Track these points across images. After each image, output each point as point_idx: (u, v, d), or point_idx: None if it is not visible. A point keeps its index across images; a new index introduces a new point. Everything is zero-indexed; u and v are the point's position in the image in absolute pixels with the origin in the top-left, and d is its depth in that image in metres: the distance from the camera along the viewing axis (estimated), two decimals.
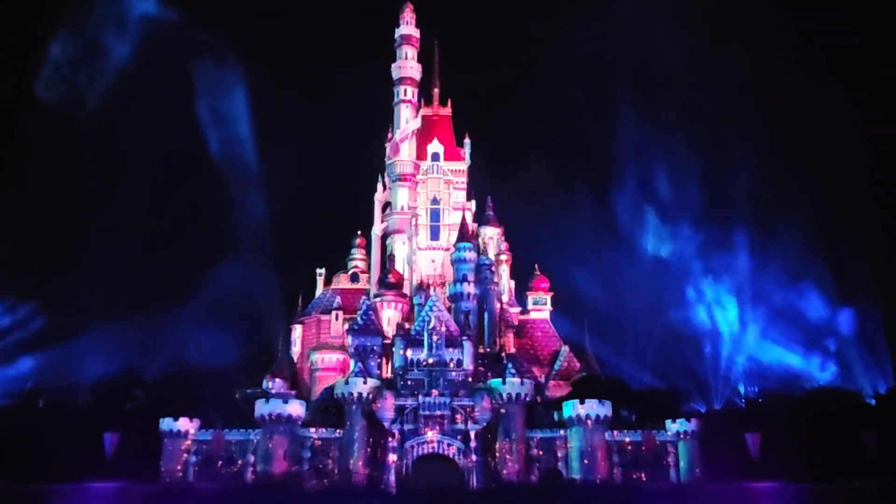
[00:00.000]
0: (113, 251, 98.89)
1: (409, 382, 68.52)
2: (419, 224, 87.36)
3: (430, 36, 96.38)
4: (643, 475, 65.47)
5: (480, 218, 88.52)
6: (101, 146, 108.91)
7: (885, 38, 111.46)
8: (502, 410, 67.01)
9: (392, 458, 64.92)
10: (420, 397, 67.03)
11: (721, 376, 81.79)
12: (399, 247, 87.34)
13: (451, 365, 69.50)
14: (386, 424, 65.97)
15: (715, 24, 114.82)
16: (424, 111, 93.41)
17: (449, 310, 76.01)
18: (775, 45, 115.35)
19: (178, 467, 65.34)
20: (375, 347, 74.64)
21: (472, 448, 65.36)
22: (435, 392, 67.46)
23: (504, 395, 67.17)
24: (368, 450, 66.33)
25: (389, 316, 79.31)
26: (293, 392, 75.24)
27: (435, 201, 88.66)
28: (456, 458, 65.56)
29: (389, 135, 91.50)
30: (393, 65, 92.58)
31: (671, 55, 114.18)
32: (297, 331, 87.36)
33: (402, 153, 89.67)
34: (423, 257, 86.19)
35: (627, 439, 66.66)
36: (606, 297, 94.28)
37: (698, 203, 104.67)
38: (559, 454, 66.71)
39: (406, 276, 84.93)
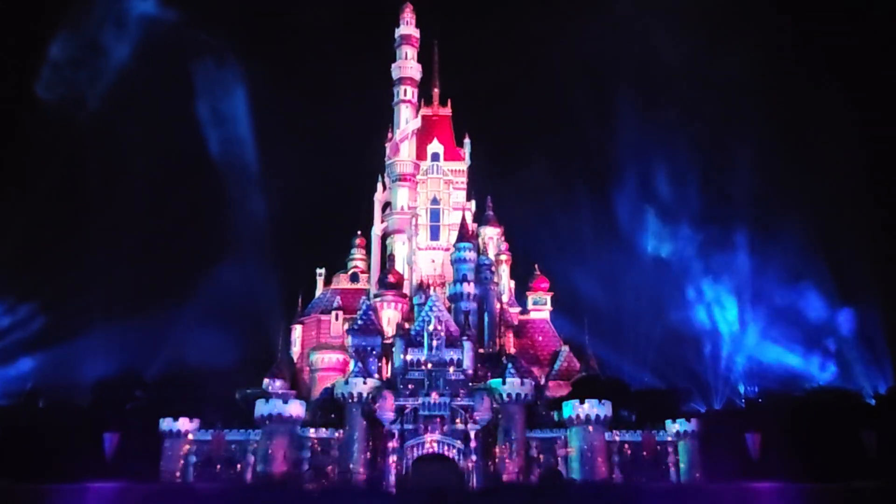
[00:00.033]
0: (113, 251, 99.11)
1: (409, 383, 68.45)
2: (419, 224, 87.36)
3: (430, 36, 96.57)
4: (643, 475, 65.34)
5: (480, 218, 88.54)
6: (101, 146, 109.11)
7: (885, 38, 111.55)
8: (501, 415, 66.98)
9: (392, 458, 64.82)
10: (420, 397, 66.97)
11: (721, 376, 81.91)
12: (399, 247, 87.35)
13: (451, 365, 69.45)
14: (386, 425, 65.93)
15: (715, 24, 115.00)
16: (424, 111, 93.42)
17: (449, 310, 76.01)
18: (775, 45, 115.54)
19: (178, 467, 65.29)
20: (375, 348, 74.65)
21: (471, 448, 65.26)
22: (435, 392, 67.37)
23: (504, 396, 67.16)
24: (368, 450, 66.31)
25: (389, 316, 79.33)
26: (293, 392, 75.24)
27: (435, 201, 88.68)
28: (456, 458, 65.44)
29: (389, 135, 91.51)
30: (393, 65, 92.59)
31: (671, 55, 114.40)
32: (297, 331, 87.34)
33: (402, 153, 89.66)
34: (422, 257, 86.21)
35: (627, 439, 66.61)
36: (606, 298, 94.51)
37: (698, 203, 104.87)
38: (559, 454, 66.58)
39: (406, 276, 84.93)
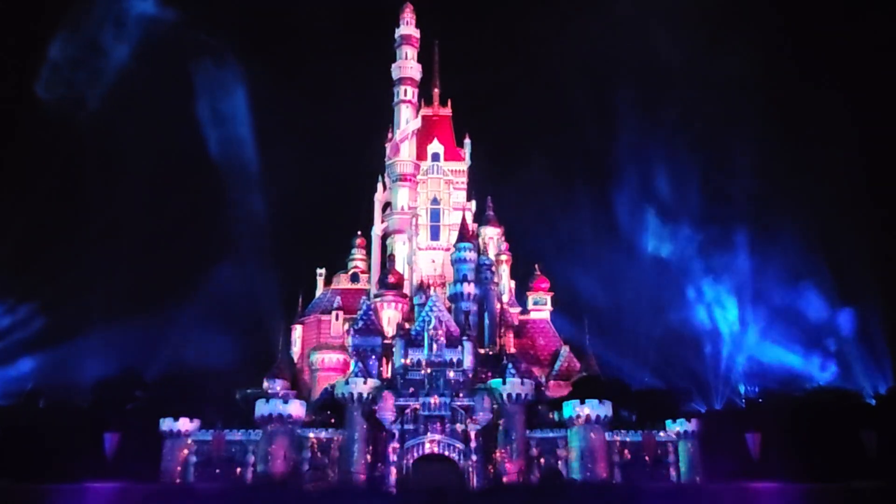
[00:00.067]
0: (113, 251, 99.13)
1: (409, 383, 68.48)
2: (419, 224, 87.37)
3: (431, 36, 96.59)
4: (643, 476, 65.33)
5: (480, 218, 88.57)
6: (100, 146, 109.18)
7: (884, 38, 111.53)
8: (502, 415, 66.99)
9: (392, 458, 64.89)
10: (420, 398, 67.00)
11: (721, 376, 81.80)
12: (399, 247, 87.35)
13: (452, 365, 69.44)
14: (386, 425, 65.96)
15: (715, 24, 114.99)
16: (425, 111, 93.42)
17: (449, 310, 76.02)
18: (775, 45, 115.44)
19: (178, 468, 65.31)
20: (376, 348, 74.60)
21: (472, 448, 65.33)
22: (435, 393, 67.41)
23: (504, 396, 67.17)
24: (369, 451, 66.29)
25: (390, 316, 79.32)
26: (293, 392, 75.22)
27: (435, 201, 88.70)
28: (456, 458, 65.50)
29: (389, 135, 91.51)
30: (393, 65, 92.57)
31: (671, 55, 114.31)
32: (298, 331, 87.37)
33: (403, 153, 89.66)
34: (423, 257, 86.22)
35: (628, 440, 66.63)
36: (607, 298, 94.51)
37: (698, 203, 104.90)
38: (559, 454, 66.61)
39: (406, 276, 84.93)
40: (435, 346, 70.01)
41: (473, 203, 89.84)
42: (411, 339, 70.98)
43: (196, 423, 66.57)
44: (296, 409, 66.60)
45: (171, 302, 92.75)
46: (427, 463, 65.42)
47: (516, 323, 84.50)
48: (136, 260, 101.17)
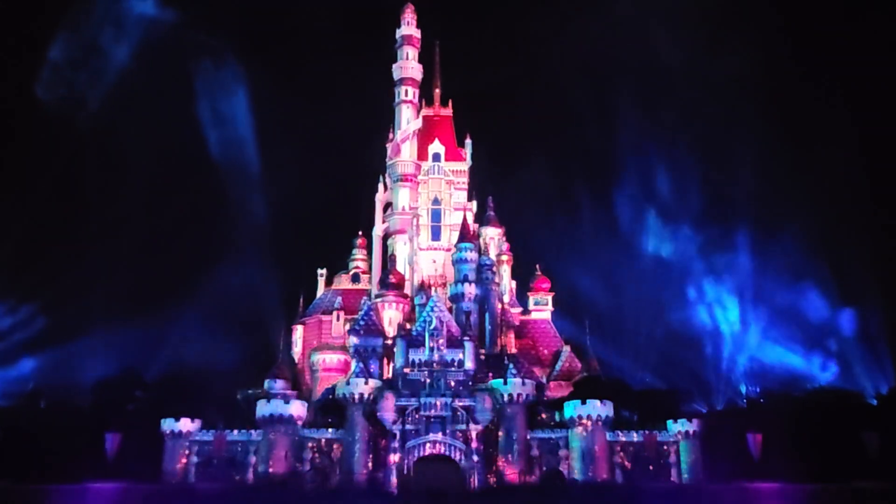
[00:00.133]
0: (113, 252, 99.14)
1: (410, 383, 68.38)
2: (420, 224, 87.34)
3: (431, 36, 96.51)
4: (645, 476, 65.29)
5: (481, 218, 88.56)
6: (101, 147, 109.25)
7: (885, 38, 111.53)
8: (503, 415, 66.99)
9: (393, 458, 64.84)
10: (421, 398, 66.94)
11: (722, 376, 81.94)
12: (400, 247, 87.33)
13: (453, 366, 69.38)
14: (387, 425, 65.92)
15: (715, 24, 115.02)
16: (425, 111, 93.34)
17: (450, 310, 76.02)
18: (775, 45, 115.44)
19: (180, 468, 65.29)
20: (377, 348, 74.63)
21: (473, 449, 65.28)
22: (436, 393, 67.34)
23: (505, 396, 67.15)
24: (369, 451, 66.31)
25: (391, 316, 79.29)
26: (294, 393, 75.25)
27: (436, 202, 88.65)
28: (457, 459, 65.43)
29: (390, 135, 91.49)
30: (394, 65, 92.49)
31: (671, 55, 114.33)
32: (299, 331, 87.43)
33: (403, 153, 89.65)
34: (424, 258, 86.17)
35: (629, 440, 66.59)
36: (608, 298, 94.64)
37: (699, 203, 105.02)
38: (560, 455, 66.57)
39: (407, 276, 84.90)
40: (436, 346, 69.97)
41: (474, 203, 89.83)
42: (412, 340, 70.95)
43: (197, 423, 66.53)
44: (297, 409, 66.57)
45: (171, 302, 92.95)
46: (428, 463, 65.36)
47: (517, 323, 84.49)
48: (136, 260, 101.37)
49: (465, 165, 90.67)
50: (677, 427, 66.32)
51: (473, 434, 65.62)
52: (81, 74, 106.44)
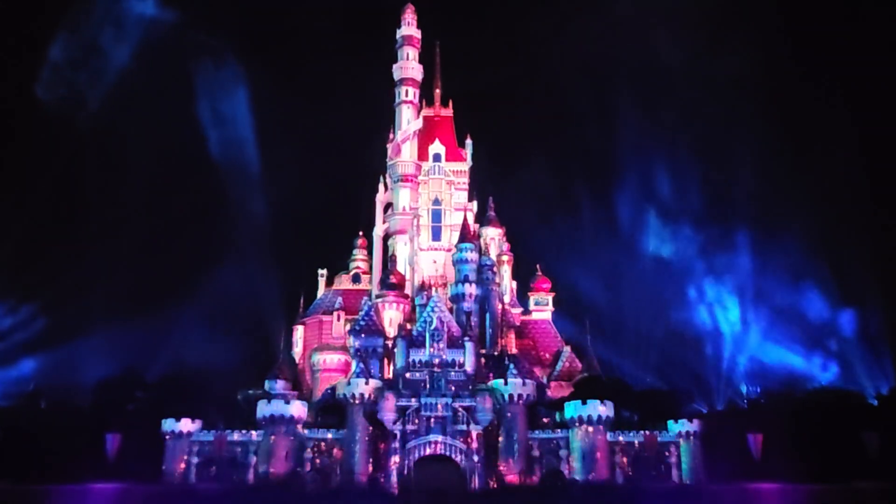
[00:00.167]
0: (114, 252, 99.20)
1: (410, 383, 68.42)
2: (421, 225, 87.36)
3: (432, 36, 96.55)
4: (645, 476, 65.28)
5: (482, 218, 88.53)
6: (101, 147, 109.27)
7: (885, 38, 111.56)
8: (503, 416, 66.99)
9: (394, 458, 64.82)
10: (422, 398, 66.92)
11: (723, 377, 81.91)
12: (401, 247, 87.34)
13: (453, 366, 69.39)
14: (387, 425, 65.89)
15: (715, 24, 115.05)
16: (426, 112, 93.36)
17: (450, 310, 75.98)
18: (775, 45, 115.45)
19: (180, 468, 65.28)
20: (377, 348, 74.66)
21: (473, 449, 65.27)
22: (436, 393, 67.32)
23: (506, 396, 67.15)
24: (370, 451, 66.28)
25: (391, 317, 79.28)
26: (295, 393, 75.28)
27: (436, 202, 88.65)
28: (457, 459, 65.42)
29: (391, 135, 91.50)
30: (394, 66, 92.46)
31: (671, 55, 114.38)
32: (299, 331, 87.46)
33: (404, 154, 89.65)
34: (424, 258, 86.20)
35: (629, 440, 66.55)
36: (608, 298, 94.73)
37: (699, 203, 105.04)
38: (561, 455, 66.52)
39: (408, 276, 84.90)
40: (436, 346, 69.98)
41: (475, 203, 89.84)
42: (413, 340, 70.95)
43: (198, 423, 66.54)
44: (297, 409, 66.55)
45: (172, 302, 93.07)
46: (428, 464, 65.33)
47: (518, 323, 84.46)
48: (137, 260, 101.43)
49: (465, 166, 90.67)
50: (678, 427, 66.35)
51: (474, 434, 65.59)
52: (81, 74, 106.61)
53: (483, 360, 73.86)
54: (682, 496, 61.76)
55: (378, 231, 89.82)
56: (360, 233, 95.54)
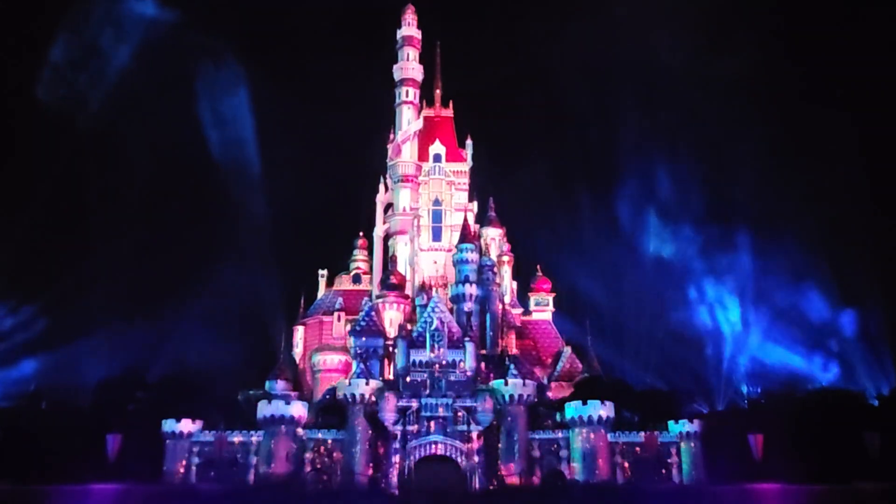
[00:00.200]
0: (114, 253, 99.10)
1: (411, 383, 68.40)
2: (421, 225, 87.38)
3: (432, 37, 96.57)
4: (646, 477, 65.24)
5: (482, 219, 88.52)
6: (101, 148, 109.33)
7: (885, 39, 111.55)
8: (504, 416, 66.96)
9: (394, 459, 64.81)
10: (422, 399, 66.91)
11: (723, 377, 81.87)
12: (401, 248, 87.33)
13: (454, 366, 69.35)
14: (388, 426, 65.88)
15: (715, 24, 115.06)
16: (426, 112, 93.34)
17: (451, 311, 75.96)
18: (775, 46, 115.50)
19: (181, 469, 65.30)
20: (377, 349, 74.67)
21: (474, 450, 65.25)
22: (437, 394, 67.32)
23: (506, 397, 67.13)
24: (370, 451, 66.24)
25: (391, 317, 79.25)
26: (295, 393, 75.25)
27: (437, 202, 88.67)
28: (458, 459, 65.42)
29: (391, 136, 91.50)
30: (394, 66, 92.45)
31: (671, 56, 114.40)
32: (300, 332, 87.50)
33: (404, 154, 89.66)
34: (424, 258, 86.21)
35: (630, 440, 66.53)
36: (609, 298, 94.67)
37: (700, 203, 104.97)
38: (561, 455, 66.52)
39: (408, 277, 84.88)
40: (437, 347, 69.97)
41: (475, 204, 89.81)
42: (413, 341, 70.93)
43: (198, 424, 66.53)
44: (298, 410, 66.54)
45: (173, 303, 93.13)
46: (429, 464, 65.31)
47: (518, 324, 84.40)
48: (137, 261, 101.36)
49: (465, 166, 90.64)
50: (678, 428, 66.34)
51: (474, 435, 65.56)
52: (82, 75, 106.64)
53: (483, 360, 73.82)
54: (683, 497, 61.65)
55: (378, 231, 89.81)
56: (361, 233, 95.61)
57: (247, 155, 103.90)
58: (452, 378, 68.73)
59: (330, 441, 66.93)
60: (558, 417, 68.54)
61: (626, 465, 65.89)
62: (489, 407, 66.32)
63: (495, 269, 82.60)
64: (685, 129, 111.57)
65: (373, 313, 77.54)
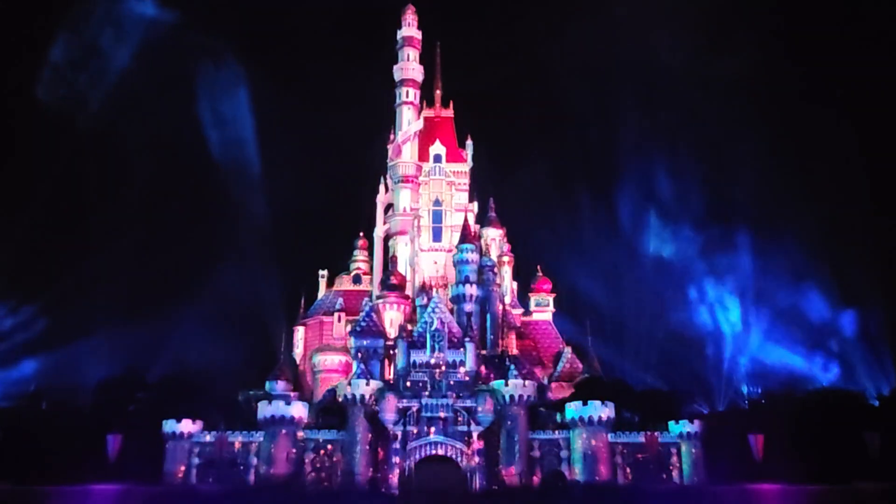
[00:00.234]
0: (115, 253, 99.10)
1: (411, 384, 68.40)
2: (421, 225, 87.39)
3: (432, 37, 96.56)
4: (646, 477, 65.23)
5: (483, 219, 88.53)
6: (102, 148, 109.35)
7: (884, 39, 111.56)
8: (504, 416, 66.96)
9: (394, 459, 64.82)
10: (422, 399, 66.91)
11: (724, 377, 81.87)
12: (401, 248, 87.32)
13: (454, 367, 69.36)
14: (388, 426, 65.89)
15: (715, 24, 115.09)
16: (426, 113, 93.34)
17: (451, 311, 75.98)
18: (775, 46, 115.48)
19: (181, 469, 65.26)
20: (378, 349, 74.59)
21: (474, 450, 65.26)
22: (437, 394, 67.31)
23: (506, 397, 67.10)
24: (371, 452, 66.21)
25: (392, 317, 79.25)
26: (296, 394, 75.21)
27: (437, 203, 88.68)
28: (458, 459, 65.42)
29: (391, 136, 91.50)
30: (395, 66, 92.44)
31: (671, 56, 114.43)
32: (300, 332, 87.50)
33: (405, 155, 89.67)
34: (425, 259, 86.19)
35: (630, 441, 66.49)
36: (609, 299, 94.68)
37: (700, 203, 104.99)
38: (562, 456, 66.53)
39: (408, 277, 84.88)
40: (437, 347, 69.99)
41: (475, 204, 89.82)
42: (413, 341, 70.94)
43: (198, 424, 66.49)
44: (298, 410, 66.53)
45: (173, 303, 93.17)
46: (429, 464, 65.32)
47: (518, 324, 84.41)
48: (137, 261, 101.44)
49: (466, 166, 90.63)
50: (679, 428, 66.30)
51: (475, 435, 65.58)
52: (82, 75, 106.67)
53: (484, 361, 73.79)
54: (683, 497, 61.67)
55: (379, 232, 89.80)
56: (361, 234, 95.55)
57: (247, 155, 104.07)
58: (453, 379, 68.73)
59: (330, 442, 66.88)
60: (559, 418, 68.54)
61: (627, 465, 65.85)
62: (489, 407, 66.32)
63: (495, 270, 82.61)
64: (685, 129, 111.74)
65: (373, 314, 77.51)
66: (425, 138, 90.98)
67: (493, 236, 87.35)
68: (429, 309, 73.39)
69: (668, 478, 65.54)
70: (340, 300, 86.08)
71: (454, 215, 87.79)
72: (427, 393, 67.47)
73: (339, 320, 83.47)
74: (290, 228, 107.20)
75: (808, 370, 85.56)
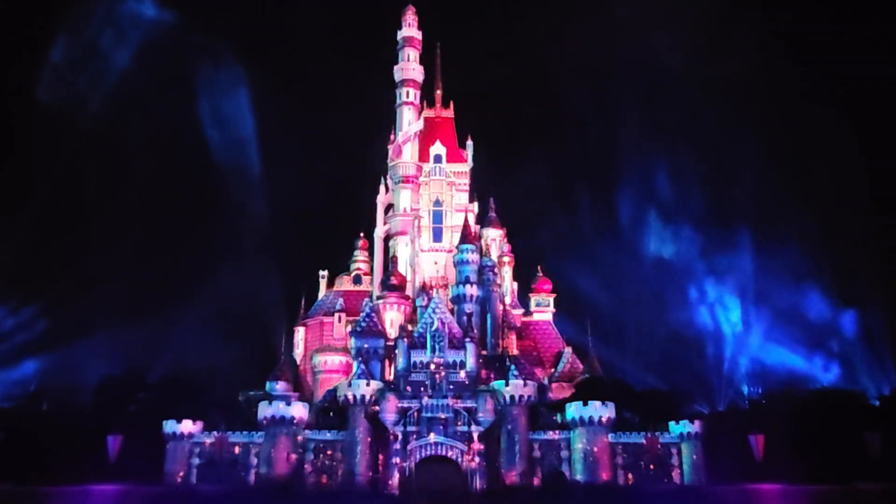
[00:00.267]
0: (115, 253, 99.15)
1: (411, 384, 68.42)
2: (422, 226, 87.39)
3: (433, 38, 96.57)
4: (646, 477, 65.23)
5: (483, 219, 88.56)
6: (102, 148, 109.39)
7: (885, 39, 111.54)
8: (504, 417, 66.95)
9: (395, 460, 64.88)
10: (423, 399, 66.94)
11: (724, 378, 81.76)
12: (402, 249, 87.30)
13: (454, 367, 69.37)
14: (389, 426, 65.93)
15: (715, 24, 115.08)
16: (427, 113, 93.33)
17: (451, 312, 75.96)
18: (775, 46, 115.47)
19: (182, 470, 65.31)
20: (378, 349, 74.53)
21: (474, 450, 65.27)
22: (438, 394, 67.35)
23: (507, 397, 67.12)
24: (371, 452, 66.29)
25: (392, 318, 79.22)
26: (296, 394, 75.22)
27: (437, 203, 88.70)
28: (459, 460, 65.44)
29: (392, 137, 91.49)
30: (395, 67, 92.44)
31: (671, 56, 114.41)
32: (300, 333, 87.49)
33: (405, 155, 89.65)
34: (425, 259, 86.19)
35: (630, 441, 66.52)
36: (609, 299, 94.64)
37: (700, 204, 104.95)
38: (562, 456, 66.58)
39: (409, 278, 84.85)
40: (437, 347, 69.99)
41: (476, 205, 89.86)
42: (414, 341, 70.95)
43: (199, 425, 66.56)
44: (298, 411, 66.59)
45: (173, 304, 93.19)
46: (429, 465, 65.36)
47: (519, 324, 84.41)
48: (138, 261, 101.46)
49: (466, 167, 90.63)
50: (679, 428, 66.33)
51: (475, 435, 65.61)
52: (82, 75, 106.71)
53: (484, 361, 73.81)
54: (684, 497, 61.79)
55: (379, 232, 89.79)
56: (361, 234, 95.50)
57: (247, 155, 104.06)
58: (453, 379, 68.76)
59: (331, 442, 66.95)
60: (559, 418, 68.61)
61: (627, 465, 65.85)
62: (490, 408, 66.35)
63: (496, 270, 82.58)
64: (685, 130, 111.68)
65: (373, 314, 77.47)
66: (425, 139, 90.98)
67: (494, 236, 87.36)
68: (429, 309, 73.40)
69: (668, 478, 65.53)
70: (341, 300, 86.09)
71: (454, 216, 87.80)
72: (427, 393, 67.49)
73: (340, 321, 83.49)
74: (290, 228, 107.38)
75: (808, 370, 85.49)
